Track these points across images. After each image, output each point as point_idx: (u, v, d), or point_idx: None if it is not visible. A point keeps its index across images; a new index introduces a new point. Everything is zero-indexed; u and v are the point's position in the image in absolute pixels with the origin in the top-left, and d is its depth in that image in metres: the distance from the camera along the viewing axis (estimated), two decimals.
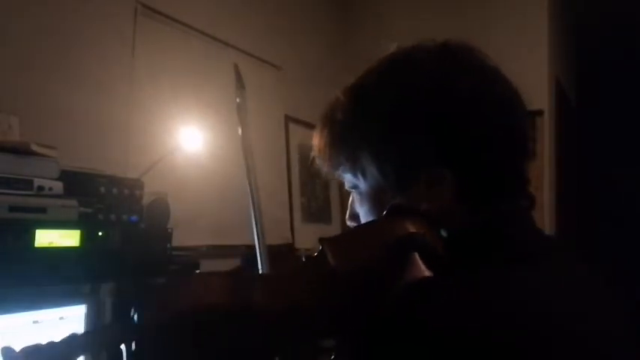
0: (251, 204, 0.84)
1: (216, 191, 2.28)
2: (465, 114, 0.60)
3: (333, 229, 3.03)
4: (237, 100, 0.83)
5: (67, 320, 1.34)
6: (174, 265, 1.66)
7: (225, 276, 0.57)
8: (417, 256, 0.54)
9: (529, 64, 2.79)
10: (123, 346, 0.57)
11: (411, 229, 0.55)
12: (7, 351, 0.58)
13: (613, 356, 0.56)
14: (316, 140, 0.69)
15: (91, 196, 1.44)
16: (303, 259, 0.62)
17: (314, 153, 0.70)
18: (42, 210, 1.28)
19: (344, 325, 0.54)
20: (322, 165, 0.69)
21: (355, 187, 0.67)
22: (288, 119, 2.83)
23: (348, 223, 0.72)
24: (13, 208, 1.22)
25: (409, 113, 0.61)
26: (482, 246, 0.58)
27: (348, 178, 0.67)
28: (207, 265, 1.95)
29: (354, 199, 0.70)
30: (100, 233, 1.42)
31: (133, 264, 1.50)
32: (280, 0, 2.85)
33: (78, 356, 0.59)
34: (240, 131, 0.84)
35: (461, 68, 0.62)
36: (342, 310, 0.54)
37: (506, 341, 0.48)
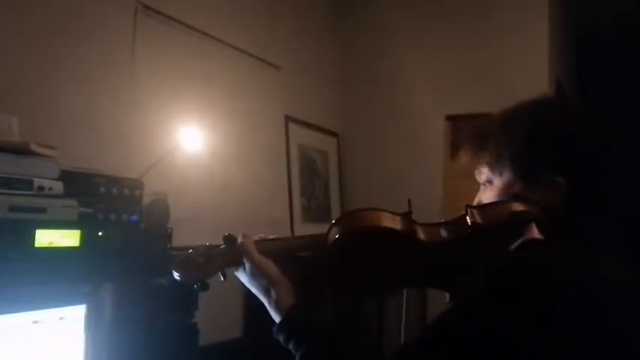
0: None
1: (216, 191, 2.28)
2: (580, 148, 0.85)
3: None
4: None
5: (67, 320, 1.34)
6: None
7: (402, 214, 0.84)
8: (534, 225, 0.80)
9: (529, 64, 2.79)
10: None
11: (530, 208, 0.81)
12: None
13: None
14: (469, 143, 0.93)
15: (91, 196, 1.44)
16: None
17: (464, 150, 0.94)
18: (42, 210, 1.28)
19: (469, 267, 0.80)
20: (467, 162, 0.93)
21: (490, 181, 0.90)
22: (288, 119, 2.83)
23: None
24: (13, 208, 1.22)
25: (546, 140, 0.86)
26: (567, 233, 0.82)
27: (486, 175, 0.90)
28: None
29: (483, 192, 0.92)
30: (100, 233, 1.42)
31: (133, 264, 1.50)
32: (280, 0, 2.85)
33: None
34: None
35: (580, 118, 0.89)
36: (477, 254, 0.81)
37: (577, 291, 0.71)
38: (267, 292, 0.89)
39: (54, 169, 1.35)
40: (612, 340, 0.70)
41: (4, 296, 1.20)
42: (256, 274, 0.89)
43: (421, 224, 0.84)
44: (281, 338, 0.85)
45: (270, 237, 0.94)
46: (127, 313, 1.50)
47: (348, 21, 3.27)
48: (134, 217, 1.55)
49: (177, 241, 1.74)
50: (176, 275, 0.92)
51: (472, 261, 0.82)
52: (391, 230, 0.82)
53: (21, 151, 1.30)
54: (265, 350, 1.14)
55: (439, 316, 0.73)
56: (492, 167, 0.89)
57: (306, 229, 2.84)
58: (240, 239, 0.93)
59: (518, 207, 0.82)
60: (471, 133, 0.96)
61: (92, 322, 1.39)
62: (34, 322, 1.27)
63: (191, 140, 2.00)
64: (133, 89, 1.96)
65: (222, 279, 0.93)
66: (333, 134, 3.18)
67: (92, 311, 1.40)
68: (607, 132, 0.88)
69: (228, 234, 0.94)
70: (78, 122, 1.77)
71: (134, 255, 1.51)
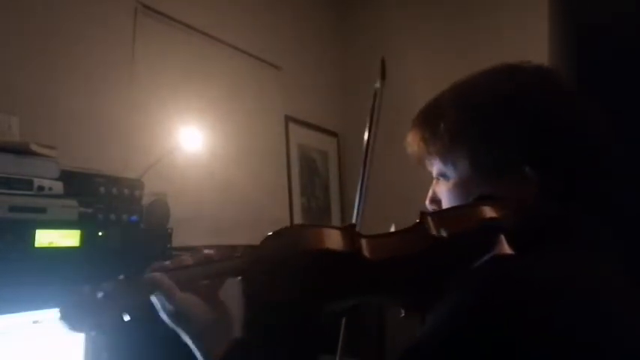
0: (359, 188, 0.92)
1: (216, 191, 2.28)
2: (557, 129, 0.69)
3: None
4: (376, 85, 0.91)
5: None
6: None
7: (342, 227, 0.71)
8: (502, 237, 0.65)
9: None
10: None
11: (499, 214, 0.66)
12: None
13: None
14: (414, 130, 0.78)
15: (91, 196, 1.44)
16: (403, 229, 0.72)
17: (407, 140, 0.79)
18: (42, 210, 1.28)
19: (428, 285, 0.66)
20: (412, 152, 0.78)
21: (443, 175, 0.75)
22: (288, 119, 2.83)
23: (429, 206, 0.80)
24: (13, 208, 1.22)
25: (511, 122, 0.70)
26: (547, 235, 0.67)
27: (438, 167, 0.76)
28: None
29: (437, 185, 0.78)
30: (100, 233, 1.42)
31: (133, 264, 1.49)
32: (280, 0, 2.85)
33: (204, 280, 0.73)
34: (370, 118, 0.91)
35: (556, 89, 0.73)
36: (432, 272, 0.66)
37: (561, 307, 0.57)
38: (193, 341, 0.72)
39: (54, 169, 1.35)
40: (611, 347, 0.60)
41: (4, 296, 1.20)
42: (176, 320, 0.72)
43: (368, 238, 0.70)
44: None
45: (182, 262, 0.75)
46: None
47: (349, 21, 3.27)
48: (134, 217, 1.55)
49: (177, 241, 1.74)
50: (65, 325, 0.70)
51: (431, 277, 0.67)
52: (327, 251, 0.68)
53: (21, 151, 1.30)
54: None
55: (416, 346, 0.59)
56: (444, 158, 0.74)
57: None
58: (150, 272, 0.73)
59: (483, 213, 0.66)
60: (418, 116, 0.79)
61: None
62: (34, 322, 1.26)
63: (191, 140, 1.99)
64: (133, 89, 1.96)
65: (126, 319, 0.72)
66: (333, 134, 3.18)
67: None
68: (587, 112, 0.73)
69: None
70: (78, 122, 1.76)
71: (134, 255, 1.50)
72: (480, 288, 0.58)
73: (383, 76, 0.88)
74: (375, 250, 0.69)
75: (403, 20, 3.10)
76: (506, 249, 0.64)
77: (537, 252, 0.63)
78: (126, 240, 1.48)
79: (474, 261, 0.63)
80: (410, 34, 3.09)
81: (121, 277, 0.74)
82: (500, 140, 0.70)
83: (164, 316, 0.73)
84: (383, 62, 0.82)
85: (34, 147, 1.31)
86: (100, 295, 0.72)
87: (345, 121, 3.23)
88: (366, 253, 0.68)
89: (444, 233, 0.66)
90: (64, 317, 0.70)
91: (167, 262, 0.75)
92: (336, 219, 3.10)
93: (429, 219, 0.68)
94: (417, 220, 0.68)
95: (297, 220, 2.81)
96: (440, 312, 0.59)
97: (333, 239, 0.69)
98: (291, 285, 0.69)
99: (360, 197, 0.95)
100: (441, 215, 0.70)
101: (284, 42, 2.82)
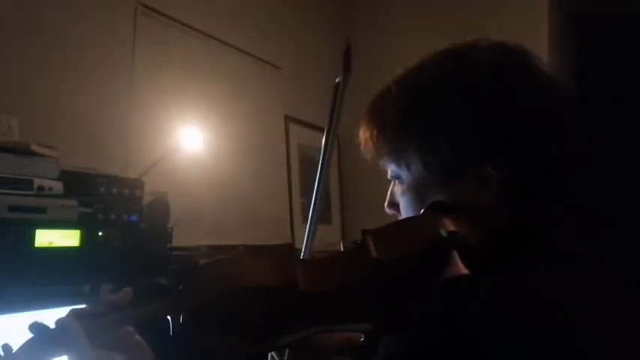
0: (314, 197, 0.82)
1: (216, 191, 2.28)
2: (518, 116, 0.60)
3: (333, 229, 3.03)
4: (337, 79, 0.81)
5: None
6: (174, 265, 1.66)
7: (274, 258, 0.63)
8: (456, 254, 0.56)
9: None
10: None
11: (452, 226, 0.57)
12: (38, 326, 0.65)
13: None
14: (363, 128, 0.70)
15: (91, 196, 1.44)
16: (342, 249, 0.65)
17: (359, 139, 0.71)
18: (42, 210, 1.28)
19: (378, 313, 0.58)
20: (366, 153, 0.70)
21: (398, 177, 0.68)
22: (288, 119, 2.83)
23: (387, 210, 0.73)
24: (13, 208, 1.22)
25: (463, 111, 0.60)
26: (515, 246, 0.59)
27: (391, 168, 0.68)
28: None
29: (395, 187, 0.71)
30: (100, 233, 1.42)
31: (133, 264, 1.49)
32: (280, 0, 2.85)
33: (123, 326, 0.66)
34: (330, 117, 0.81)
35: (517, 70, 0.63)
36: (378, 299, 0.58)
37: (528, 338, 0.50)
38: None
39: (54, 169, 1.35)
40: None
41: (4, 296, 1.20)
42: None
43: (305, 266, 0.63)
44: None
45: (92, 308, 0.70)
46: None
47: (349, 21, 3.27)
48: (134, 217, 1.54)
49: (178, 241, 1.74)
50: None
51: (380, 301, 0.59)
52: (259, 287, 0.60)
53: (21, 151, 1.30)
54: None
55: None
56: (395, 157, 0.66)
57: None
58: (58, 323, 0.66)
59: (434, 227, 0.57)
60: (366, 110, 0.70)
61: None
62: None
63: (191, 140, 1.99)
64: (133, 89, 1.96)
65: None
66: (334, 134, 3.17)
67: None
68: (557, 96, 0.63)
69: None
70: (78, 122, 1.76)
71: (134, 255, 1.50)
72: (420, 328, 0.52)
73: (347, 67, 0.79)
74: (314, 279, 0.61)
75: (404, 20, 3.10)
76: (461, 269, 0.56)
77: (496, 270, 0.55)
78: (126, 240, 1.48)
79: (425, 283, 0.56)
80: (411, 35, 3.09)
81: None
82: (451, 132, 0.61)
83: None
84: (348, 50, 0.74)
85: (34, 147, 1.31)
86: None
87: (345, 121, 3.22)
88: (302, 285, 0.60)
89: (387, 255, 0.58)
90: None
91: (83, 307, 0.69)
92: (336, 219, 3.10)
93: (371, 239, 0.60)
94: (359, 240, 0.61)
95: (297, 220, 2.81)
96: (393, 340, 0.54)
97: (261, 273, 0.62)
98: (221, 329, 0.61)
99: (313, 209, 0.87)
100: (384, 234, 0.61)
101: (284, 42, 2.82)
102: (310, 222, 0.78)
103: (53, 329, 0.65)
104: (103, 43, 1.89)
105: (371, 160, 0.71)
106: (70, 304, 1.36)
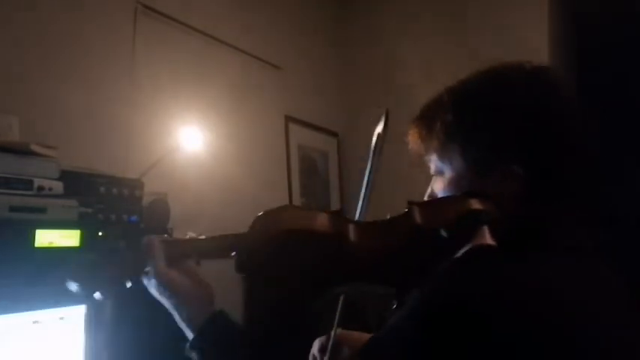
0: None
1: (216, 191, 2.28)
2: (547, 133, 0.72)
3: None
4: (378, 131, 0.92)
5: (67, 320, 1.34)
6: None
7: (330, 213, 0.75)
8: (486, 229, 0.67)
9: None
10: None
11: (482, 207, 0.69)
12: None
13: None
14: (415, 127, 0.82)
15: (91, 196, 1.44)
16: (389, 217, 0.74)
17: (409, 138, 0.82)
18: (42, 210, 1.28)
19: (411, 274, 0.68)
20: (413, 149, 0.82)
21: (441, 172, 0.79)
22: (288, 119, 2.83)
23: None
24: (13, 208, 1.22)
25: (501, 122, 0.73)
26: (524, 234, 0.69)
27: (436, 164, 0.79)
28: (207, 265, 1.95)
29: (435, 182, 0.81)
30: (100, 233, 1.42)
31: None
32: (280, 0, 2.85)
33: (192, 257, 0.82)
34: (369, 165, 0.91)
35: (550, 94, 0.75)
36: (413, 264, 0.69)
37: (528, 332, 0.57)
38: (176, 310, 0.80)
39: (54, 169, 1.35)
40: (587, 347, 0.60)
41: (4, 296, 1.20)
42: (162, 290, 0.79)
43: (354, 223, 0.74)
44: (194, 357, 0.80)
45: (179, 238, 0.84)
46: (127, 313, 1.49)
47: (349, 21, 3.27)
48: (134, 217, 1.55)
49: None
50: (74, 285, 0.77)
51: (416, 264, 0.69)
52: (314, 232, 0.72)
53: (21, 151, 1.30)
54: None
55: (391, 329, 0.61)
56: (441, 155, 0.78)
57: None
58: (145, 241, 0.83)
59: (468, 205, 0.69)
60: (418, 115, 0.83)
61: (92, 322, 1.39)
62: (34, 322, 1.26)
63: (191, 140, 1.99)
64: (133, 89, 1.96)
65: (128, 285, 0.81)
66: (333, 134, 3.18)
67: (92, 311, 1.40)
68: (578, 115, 0.76)
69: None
70: (78, 122, 1.77)
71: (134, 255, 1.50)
72: (455, 273, 0.62)
73: (385, 127, 0.90)
74: (361, 235, 0.71)
75: (403, 21, 3.10)
76: (488, 239, 0.67)
77: (515, 250, 0.65)
78: (126, 240, 1.48)
79: (458, 249, 0.66)
80: (410, 35, 3.09)
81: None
82: (490, 138, 0.74)
83: (151, 287, 0.80)
84: (387, 114, 0.85)
85: (34, 147, 1.31)
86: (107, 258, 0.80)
87: (345, 121, 3.23)
88: (351, 237, 0.71)
89: (427, 223, 0.69)
90: (76, 276, 0.76)
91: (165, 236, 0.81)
92: None
93: (416, 207, 0.71)
94: (405, 209, 0.71)
95: None
96: (416, 295, 0.62)
97: (319, 221, 0.73)
98: (279, 262, 0.73)
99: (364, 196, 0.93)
100: (427, 205, 0.74)
101: (284, 42, 2.82)
102: (365, 192, 0.86)
103: (142, 244, 0.82)
104: (103, 43, 1.89)
105: (415, 156, 0.82)
106: (70, 304, 1.36)
